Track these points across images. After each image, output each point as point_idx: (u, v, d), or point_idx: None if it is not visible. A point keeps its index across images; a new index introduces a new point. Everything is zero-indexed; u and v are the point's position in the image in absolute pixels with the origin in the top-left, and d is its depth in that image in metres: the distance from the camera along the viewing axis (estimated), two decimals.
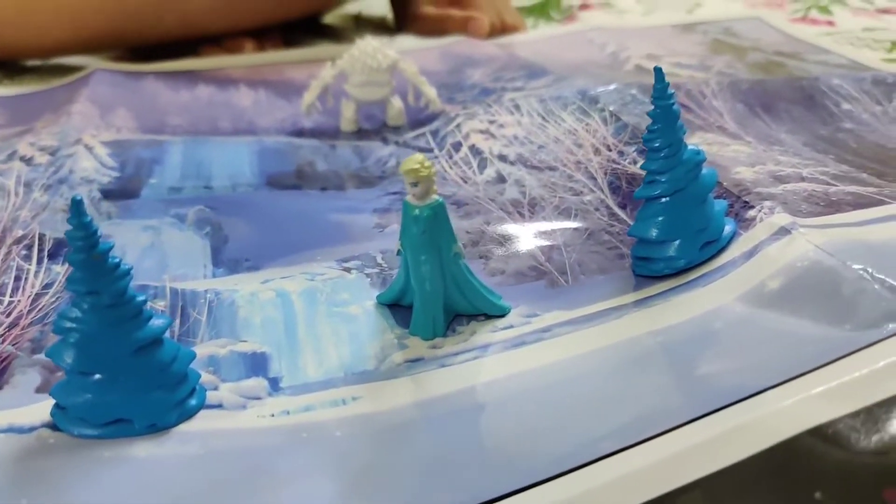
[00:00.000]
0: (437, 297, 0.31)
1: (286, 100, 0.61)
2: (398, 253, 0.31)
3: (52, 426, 0.27)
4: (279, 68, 0.69)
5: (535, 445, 0.25)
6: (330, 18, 0.93)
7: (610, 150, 0.45)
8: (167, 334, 0.27)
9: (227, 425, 0.27)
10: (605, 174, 0.43)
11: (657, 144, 0.33)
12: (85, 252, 0.24)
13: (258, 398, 0.29)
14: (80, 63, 0.71)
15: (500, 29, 0.80)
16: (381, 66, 0.53)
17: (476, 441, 0.26)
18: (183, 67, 0.68)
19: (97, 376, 0.26)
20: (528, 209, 0.41)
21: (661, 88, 0.32)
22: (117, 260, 0.25)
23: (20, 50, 0.71)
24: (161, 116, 0.57)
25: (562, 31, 0.81)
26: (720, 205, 0.35)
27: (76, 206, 0.23)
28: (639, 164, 0.42)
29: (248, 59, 0.72)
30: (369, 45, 0.53)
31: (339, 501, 0.24)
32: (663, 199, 0.33)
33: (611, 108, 0.49)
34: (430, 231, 0.29)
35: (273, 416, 0.28)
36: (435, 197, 0.29)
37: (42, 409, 0.27)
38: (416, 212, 0.29)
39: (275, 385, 0.29)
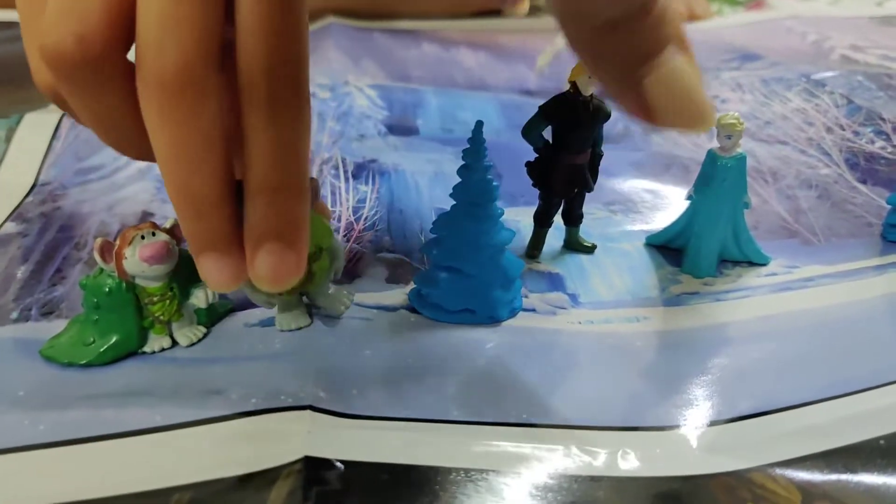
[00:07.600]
0: (718, 241, 0.35)
1: (504, 63, 0.66)
2: (688, 198, 0.35)
3: (410, 308, 0.33)
4: (491, 35, 0.74)
5: (824, 368, 0.30)
6: None
7: (843, 130, 0.48)
8: None
9: (546, 325, 0.33)
10: (841, 151, 0.46)
11: None
12: (476, 169, 0.29)
13: (563, 308, 0.34)
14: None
15: (688, 18, 0.82)
16: None
17: (765, 361, 0.30)
18: (405, 27, 0.74)
19: (456, 271, 0.31)
20: (769, 176, 0.44)
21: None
22: (491, 177, 0.30)
23: None
24: (402, 68, 0.63)
25: (757, 18, 0.83)
26: None
27: (477, 127, 0.29)
28: (876, 145, 0.45)
29: (461, 23, 0.77)
30: None
31: (647, 397, 0.29)
32: None
33: (840, 92, 0.52)
34: (730, 179, 0.33)
35: (580, 323, 0.33)
36: (739, 150, 0.33)
37: (397, 295, 0.33)
38: (723, 162, 0.33)
39: (574, 299, 0.34)
